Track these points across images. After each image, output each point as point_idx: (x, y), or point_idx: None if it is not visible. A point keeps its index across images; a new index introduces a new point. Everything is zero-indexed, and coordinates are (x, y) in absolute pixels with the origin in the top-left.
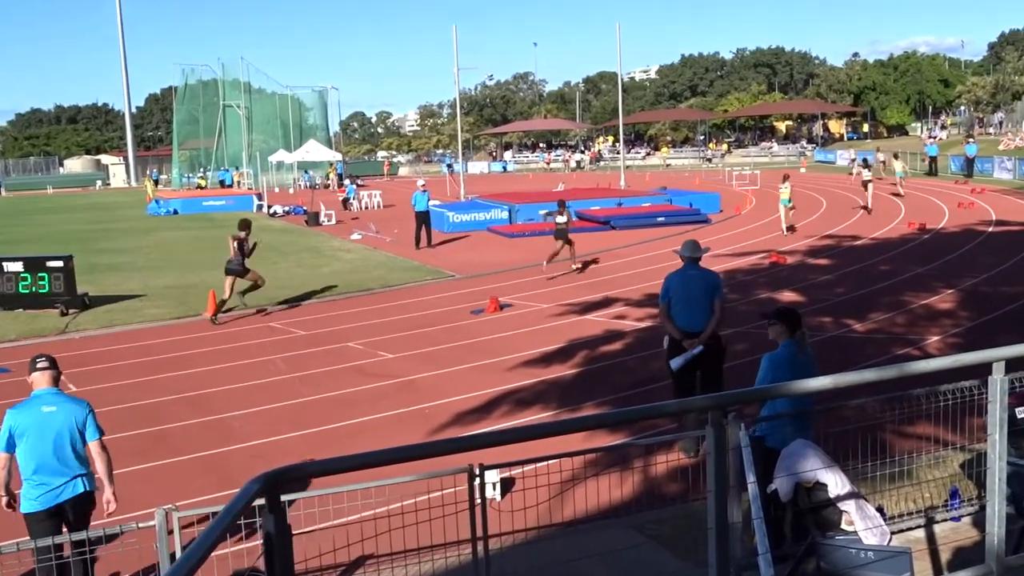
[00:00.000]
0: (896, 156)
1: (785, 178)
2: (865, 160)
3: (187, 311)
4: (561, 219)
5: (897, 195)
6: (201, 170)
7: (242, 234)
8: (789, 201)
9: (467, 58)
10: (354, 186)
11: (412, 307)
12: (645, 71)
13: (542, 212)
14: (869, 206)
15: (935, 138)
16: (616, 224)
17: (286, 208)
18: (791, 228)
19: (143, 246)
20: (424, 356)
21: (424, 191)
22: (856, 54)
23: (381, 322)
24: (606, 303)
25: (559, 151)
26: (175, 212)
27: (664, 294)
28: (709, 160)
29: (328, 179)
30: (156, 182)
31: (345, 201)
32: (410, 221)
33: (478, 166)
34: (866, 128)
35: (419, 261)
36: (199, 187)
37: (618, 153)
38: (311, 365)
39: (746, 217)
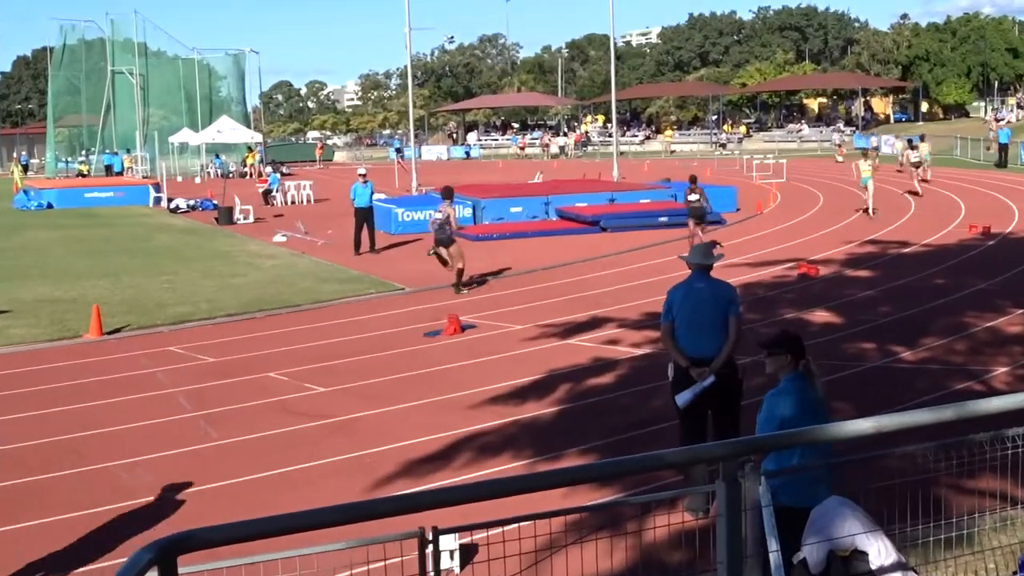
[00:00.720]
0: (911, 143)
1: (865, 155)
2: (910, 141)
3: (63, 331)
4: (693, 197)
5: (913, 192)
6: (83, 153)
7: (447, 203)
8: (869, 179)
9: (421, 16)
10: (278, 175)
11: (350, 328)
12: (644, 34)
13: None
14: (918, 192)
15: (1002, 120)
16: (608, 225)
17: (191, 202)
18: (867, 211)
19: (7, 248)
20: (365, 390)
21: (366, 182)
22: (905, 16)
23: (310, 347)
24: (595, 324)
25: (536, 133)
26: (49, 206)
27: (667, 312)
28: (723, 146)
29: (245, 166)
30: (25, 168)
31: (266, 194)
32: (348, 219)
33: (435, 151)
34: (920, 107)
35: (359, 270)
36: (80, 175)
37: (610, 136)
38: (221, 401)
39: (769, 217)
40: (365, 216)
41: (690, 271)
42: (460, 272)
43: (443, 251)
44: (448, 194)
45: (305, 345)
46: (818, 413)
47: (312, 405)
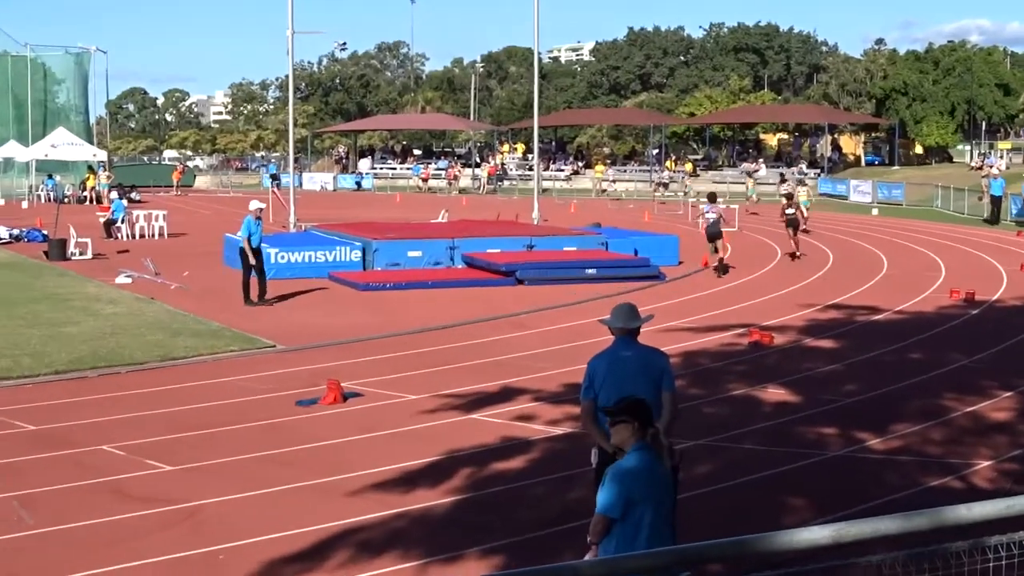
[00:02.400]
0: (785, 182)
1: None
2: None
3: None
4: (712, 215)
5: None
6: None
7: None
8: (808, 202)
9: (307, 16)
10: (124, 202)
11: (205, 393)
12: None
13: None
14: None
15: (992, 166)
16: (524, 276)
17: (15, 232)
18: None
19: None
20: (220, 470)
21: (259, 219)
22: (880, 41)
23: (156, 415)
24: (505, 396)
25: (443, 162)
26: None
27: (587, 386)
28: (665, 186)
29: (85, 189)
30: None
31: (109, 224)
32: (208, 258)
33: (319, 179)
34: (895, 148)
35: (220, 322)
36: None
37: (531, 170)
38: (41, 479)
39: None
40: (256, 260)
41: (613, 337)
42: (721, 259)
43: (717, 244)
44: (713, 198)
45: (149, 412)
46: (666, 490)
47: (154, 487)
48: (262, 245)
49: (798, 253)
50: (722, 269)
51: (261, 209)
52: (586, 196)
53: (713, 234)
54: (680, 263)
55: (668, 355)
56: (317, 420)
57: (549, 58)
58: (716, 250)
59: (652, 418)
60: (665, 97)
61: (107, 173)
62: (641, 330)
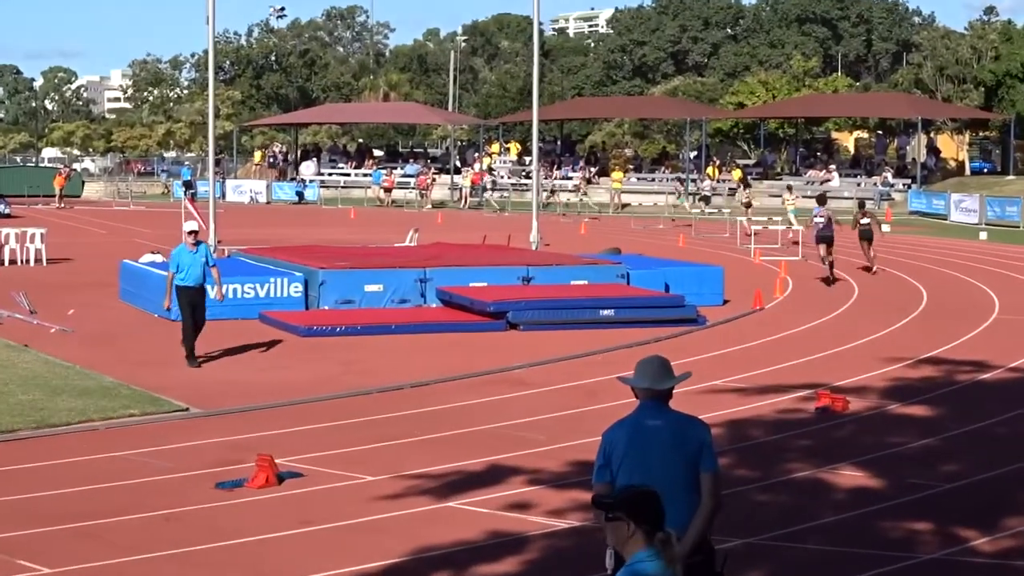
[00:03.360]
0: (863, 208)
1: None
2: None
3: None
4: (820, 220)
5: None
6: None
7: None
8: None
9: None
10: None
11: (95, 471)
12: (588, 19)
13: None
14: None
15: None
16: (519, 319)
17: None
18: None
19: None
20: (112, 573)
21: (197, 244)
22: (991, 10)
23: (29, 500)
24: (492, 477)
25: (412, 167)
26: None
27: (602, 465)
28: (706, 199)
29: None
30: None
31: None
32: (103, 292)
33: (248, 188)
34: (1010, 152)
35: (116, 377)
36: None
37: (528, 177)
38: None
39: (775, 316)
40: (197, 300)
41: (637, 401)
42: (832, 265)
43: (831, 249)
44: (823, 200)
45: (21, 496)
46: None
47: None
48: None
49: (874, 268)
50: (832, 279)
51: (195, 231)
52: (602, 212)
53: (824, 238)
54: (725, 303)
55: (709, 426)
56: (242, 508)
57: (553, 30)
58: (828, 257)
59: (661, 518)
60: (706, 83)
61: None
62: (675, 392)
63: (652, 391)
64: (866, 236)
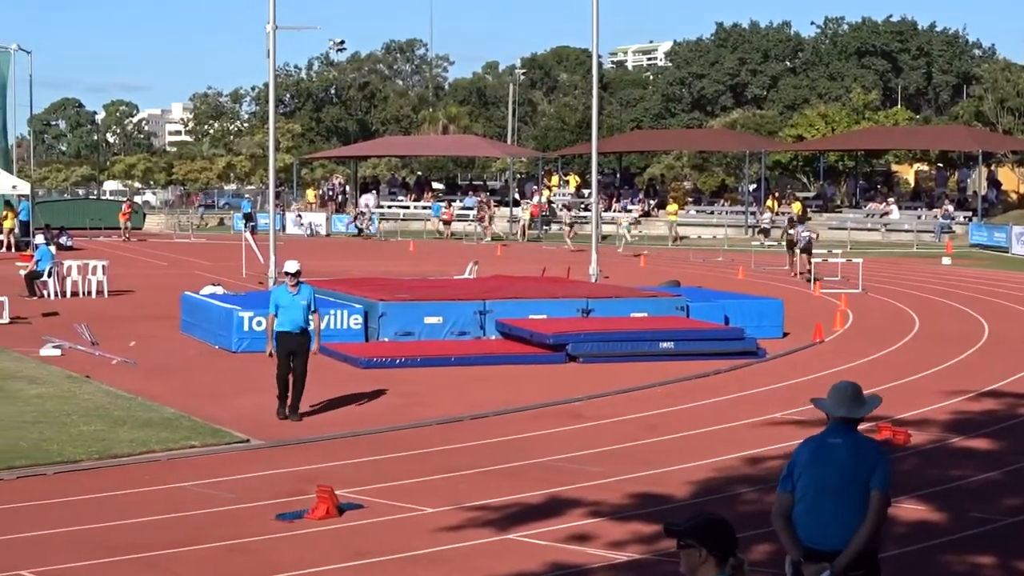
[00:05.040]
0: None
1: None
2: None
3: None
4: (806, 234)
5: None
6: None
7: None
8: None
9: (295, 8)
10: (51, 249)
11: (156, 502)
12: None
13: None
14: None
15: None
16: (578, 352)
17: None
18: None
19: None
20: None
21: (298, 285)
22: None
23: (90, 531)
24: (552, 509)
25: (471, 199)
26: None
27: (786, 476)
28: (766, 232)
29: (0, 232)
30: None
31: (33, 278)
32: (164, 325)
33: (308, 220)
34: None
35: (177, 408)
36: None
37: (587, 210)
38: None
39: (835, 348)
40: (296, 347)
41: (827, 422)
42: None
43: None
44: (803, 220)
45: (82, 527)
46: None
47: None
48: (310, 328)
49: (794, 274)
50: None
51: (296, 273)
52: (660, 245)
53: (806, 249)
54: (785, 335)
55: (888, 453)
56: (302, 540)
57: (612, 63)
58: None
59: (732, 544)
60: (765, 115)
61: (6, 213)
62: (736, 425)
63: (843, 418)
64: (806, 249)
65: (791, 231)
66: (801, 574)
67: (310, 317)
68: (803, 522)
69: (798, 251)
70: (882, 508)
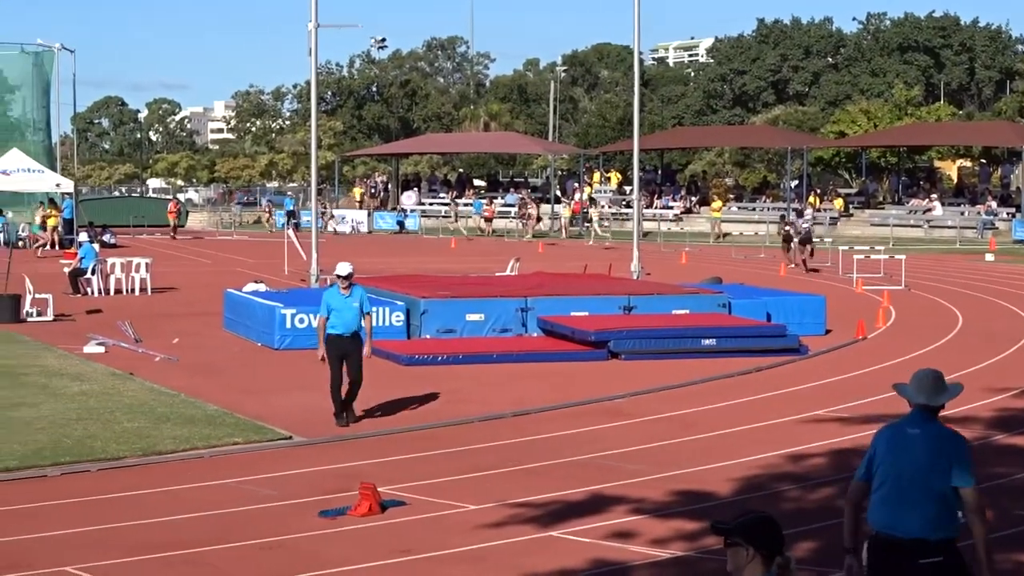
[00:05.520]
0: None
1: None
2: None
3: None
4: (805, 225)
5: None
6: None
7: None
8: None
9: (336, 6)
10: (95, 247)
11: (199, 499)
12: (688, 48)
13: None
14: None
15: None
16: (620, 348)
17: None
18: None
19: None
20: None
21: (350, 287)
22: None
23: (134, 527)
24: (594, 506)
25: (512, 197)
26: None
27: (865, 464)
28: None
29: (44, 229)
30: None
31: (76, 276)
32: (207, 322)
33: (350, 218)
34: None
35: (220, 405)
36: None
37: (629, 207)
38: None
39: (878, 346)
40: (348, 350)
41: (909, 409)
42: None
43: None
44: (801, 214)
45: (126, 524)
46: None
47: None
48: (362, 332)
49: (792, 264)
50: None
51: (348, 275)
52: (702, 241)
53: (806, 239)
54: (828, 332)
55: (967, 442)
56: (345, 537)
57: (653, 59)
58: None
59: (779, 542)
60: (807, 112)
61: (48, 212)
62: (777, 422)
63: (923, 405)
64: (807, 239)
65: (787, 226)
66: (879, 567)
67: (362, 320)
68: (880, 509)
69: (795, 243)
70: (979, 504)
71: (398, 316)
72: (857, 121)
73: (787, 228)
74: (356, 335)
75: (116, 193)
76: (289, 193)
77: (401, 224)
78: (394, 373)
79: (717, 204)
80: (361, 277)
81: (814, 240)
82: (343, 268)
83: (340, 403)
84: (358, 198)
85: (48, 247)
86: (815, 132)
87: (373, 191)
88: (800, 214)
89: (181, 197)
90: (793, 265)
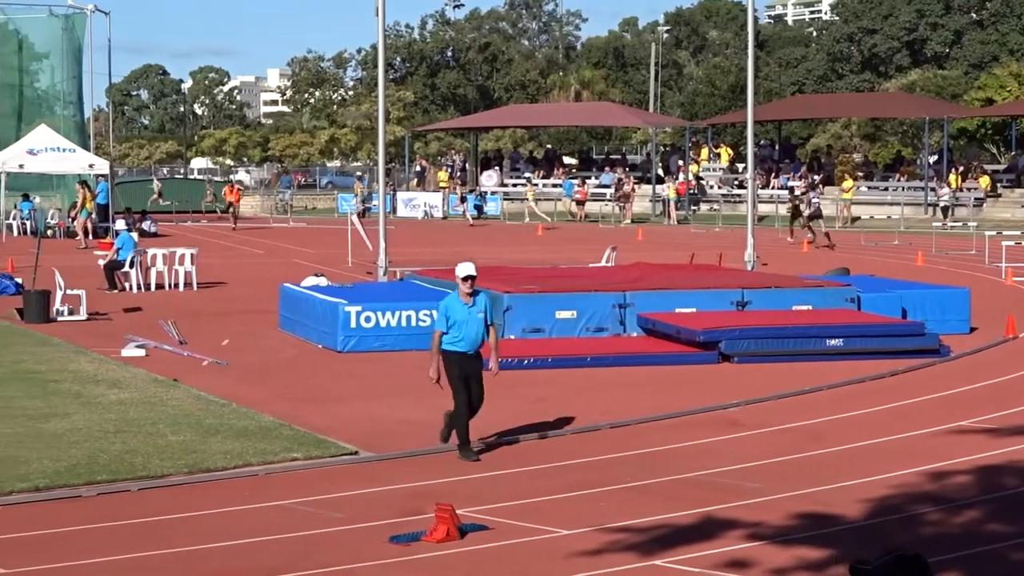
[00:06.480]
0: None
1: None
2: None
3: None
4: (816, 200)
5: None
6: None
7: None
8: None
9: None
10: (134, 235)
11: (253, 522)
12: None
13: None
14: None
15: None
16: (733, 350)
17: None
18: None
19: None
20: None
21: (473, 294)
22: None
23: (180, 554)
24: (704, 531)
25: (608, 176)
26: None
27: None
28: (947, 210)
29: (77, 215)
30: None
31: (113, 269)
32: (260, 320)
33: (422, 201)
34: None
35: (275, 415)
36: None
37: (742, 187)
38: None
39: None
40: (473, 370)
41: None
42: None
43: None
44: (812, 188)
45: (167, 551)
46: None
47: None
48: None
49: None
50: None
51: (471, 278)
52: (827, 225)
53: (817, 215)
54: (973, 330)
55: None
56: (420, 566)
57: (769, 18)
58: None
59: None
60: (948, 76)
61: (83, 195)
62: (911, 433)
63: None
64: (817, 215)
65: (800, 200)
66: None
67: (486, 332)
68: None
69: (804, 218)
70: None
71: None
72: (1006, 86)
73: (797, 202)
74: (480, 352)
75: (157, 176)
76: (359, 173)
77: (479, 209)
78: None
79: (848, 183)
80: (432, 269)
81: (824, 217)
82: (465, 268)
83: (466, 433)
84: (444, 183)
85: (81, 236)
86: (957, 100)
87: (451, 170)
88: (813, 187)
89: (235, 180)
90: (791, 240)
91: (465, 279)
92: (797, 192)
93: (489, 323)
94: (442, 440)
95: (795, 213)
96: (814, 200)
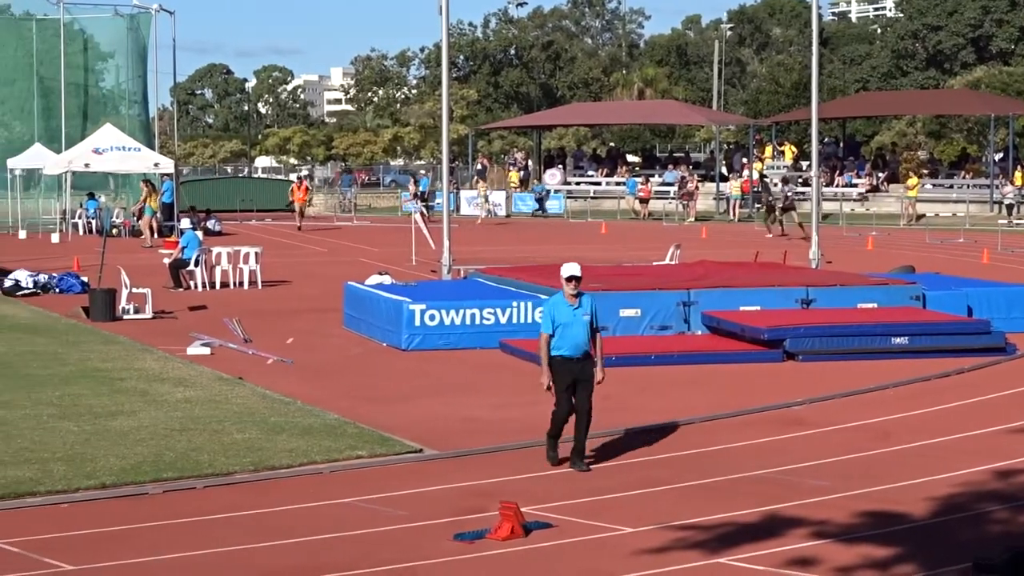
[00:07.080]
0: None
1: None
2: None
3: None
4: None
5: None
6: None
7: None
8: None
9: None
10: (199, 234)
11: (318, 519)
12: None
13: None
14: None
15: None
16: (797, 348)
17: (41, 279)
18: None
19: None
20: None
21: (579, 296)
22: None
23: (246, 551)
24: (769, 529)
25: (672, 174)
26: None
27: None
28: (1011, 208)
29: (141, 212)
30: None
31: (178, 268)
32: (325, 319)
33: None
34: None
35: (340, 414)
36: None
37: (807, 185)
38: None
39: None
40: (579, 375)
41: None
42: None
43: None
44: (787, 181)
45: (233, 548)
46: None
47: None
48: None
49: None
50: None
51: (575, 278)
52: (891, 224)
53: (789, 207)
54: None
55: None
56: (484, 564)
57: (833, 15)
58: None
59: None
60: (1013, 73)
61: (148, 194)
62: (973, 435)
63: None
64: (790, 207)
65: (772, 195)
66: None
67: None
68: None
69: (778, 211)
70: None
71: (541, 312)
72: None
73: (770, 199)
74: (587, 356)
75: (221, 174)
76: (422, 172)
77: (540, 203)
78: (537, 377)
79: (913, 181)
80: (499, 268)
81: (797, 210)
82: (570, 269)
83: (559, 436)
84: (516, 182)
85: (147, 234)
86: (1022, 97)
87: (514, 166)
88: (786, 181)
89: (294, 177)
90: (770, 235)
91: (569, 279)
92: (775, 192)
93: (595, 327)
94: (574, 463)
95: (771, 208)
96: (788, 194)
